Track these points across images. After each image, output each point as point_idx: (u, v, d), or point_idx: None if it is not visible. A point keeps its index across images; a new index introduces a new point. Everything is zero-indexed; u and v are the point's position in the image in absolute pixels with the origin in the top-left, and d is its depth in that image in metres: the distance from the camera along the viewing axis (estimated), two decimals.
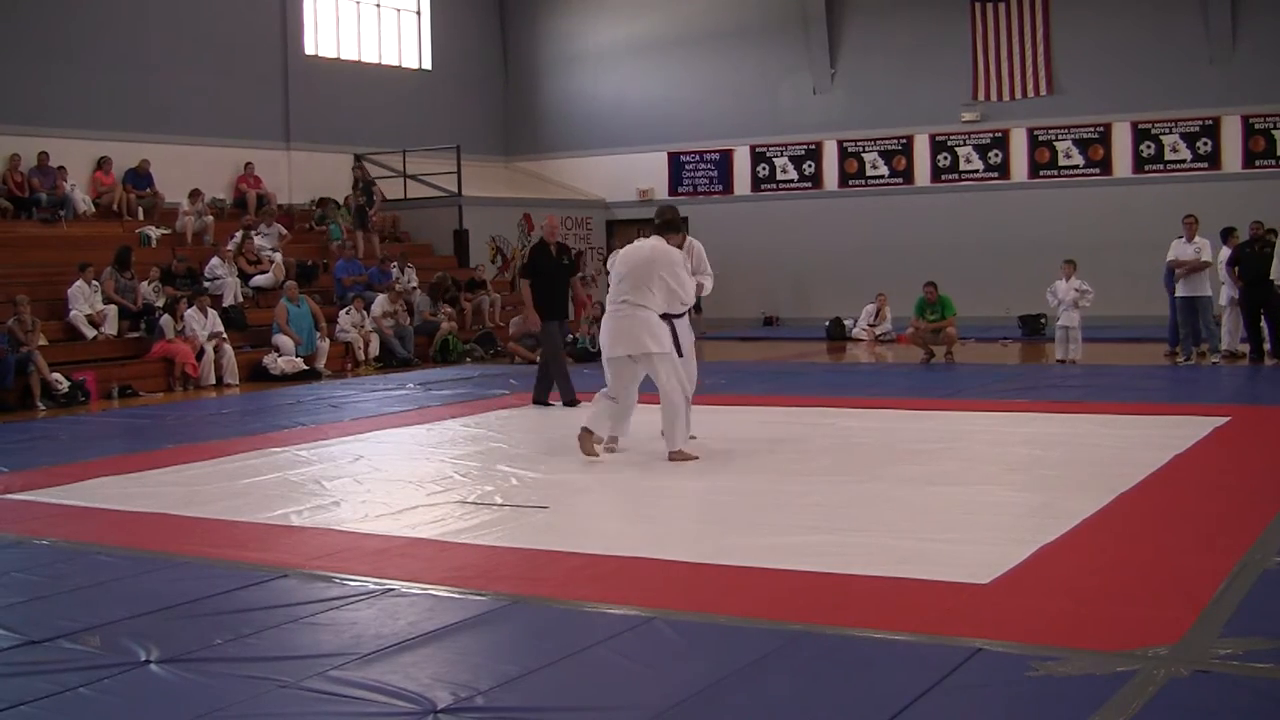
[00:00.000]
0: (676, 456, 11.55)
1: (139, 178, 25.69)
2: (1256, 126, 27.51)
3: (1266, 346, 19.45)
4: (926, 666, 5.57)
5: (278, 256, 24.82)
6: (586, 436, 11.74)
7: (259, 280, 24.15)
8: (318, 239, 27.70)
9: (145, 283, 21.72)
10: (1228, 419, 13.08)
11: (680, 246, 12.23)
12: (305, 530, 9.02)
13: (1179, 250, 19.88)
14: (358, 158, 30.13)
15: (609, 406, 11.82)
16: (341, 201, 28.76)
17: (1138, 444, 11.61)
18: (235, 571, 7.73)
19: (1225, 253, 20.23)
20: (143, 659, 6.02)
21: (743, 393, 16.78)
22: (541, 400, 16.17)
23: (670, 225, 12.22)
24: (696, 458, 11.54)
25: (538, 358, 22.86)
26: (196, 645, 6.21)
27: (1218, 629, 5.99)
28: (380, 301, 23.98)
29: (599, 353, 23.08)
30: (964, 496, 9.41)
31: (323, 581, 7.44)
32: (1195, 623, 6.07)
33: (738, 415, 13.89)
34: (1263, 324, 19.50)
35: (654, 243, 11.89)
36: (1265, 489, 9.35)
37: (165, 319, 20.60)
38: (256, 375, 21.15)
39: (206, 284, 22.73)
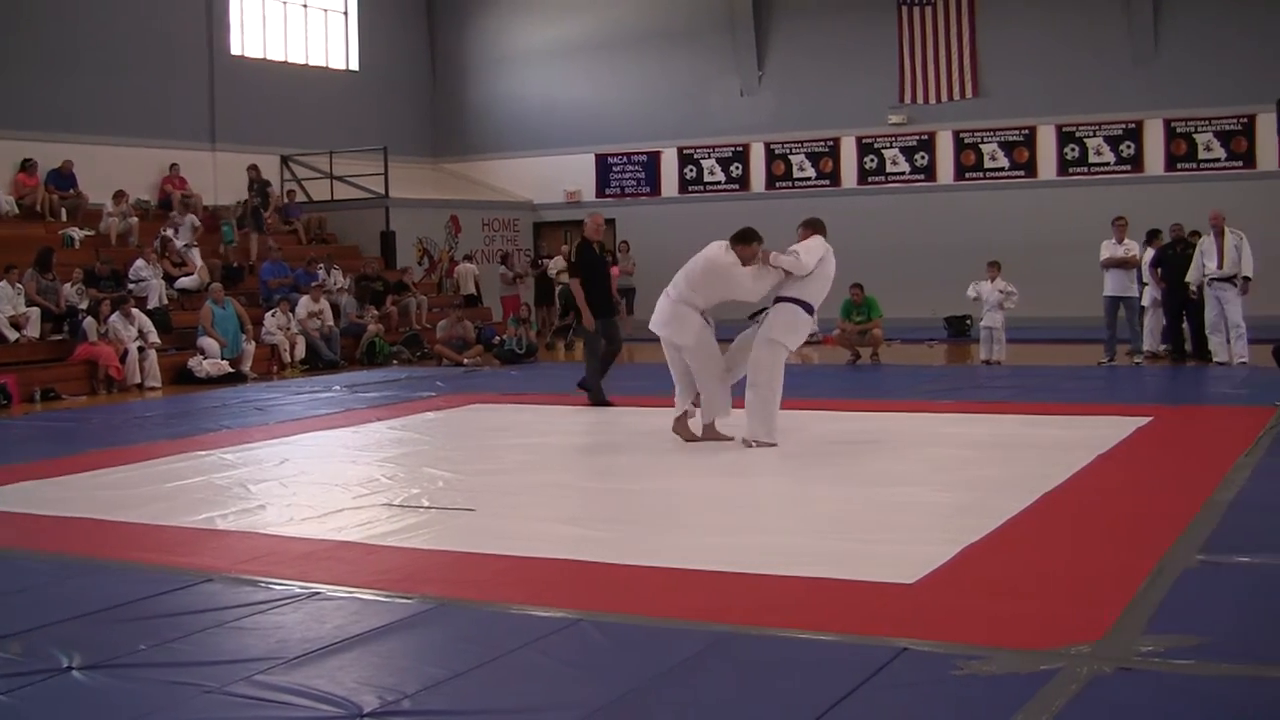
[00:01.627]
0: (708, 433, 12.41)
1: (62, 178, 25.42)
2: (1178, 130, 27.83)
3: (1188, 347, 19.67)
4: (853, 666, 5.59)
5: (195, 254, 24.62)
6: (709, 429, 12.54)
7: (184, 282, 23.98)
8: (244, 240, 27.49)
9: (68, 284, 21.50)
10: (1150, 419, 13.20)
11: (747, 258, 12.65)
12: (231, 534, 8.96)
13: (1110, 251, 20.05)
14: (285, 159, 30.02)
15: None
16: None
17: (1062, 444, 11.71)
18: (160, 576, 7.66)
19: (1149, 254, 20.42)
20: (65, 665, 5.96)
21: (667, 394, 16.77)
22: (601, 401, 16.09)
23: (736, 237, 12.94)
24: (728, 439, 12.26)
25: (465, 360, 22.91)
26: (120, 651, 6.15)
27: (1140, 627, 6.05)
28: (304, 303, 23.82)
29: (525, 354, 23.19)
30: (890, 497, 9.46)
31: (248, 585, 7.39)
32: (1118, 621, 6.13)
33: (663, 417, 13.86)
34: (1184, 325, 19.75)
35: (711, 248, 12.92)
36: (1187, 488, 9.44)
37: (88, 321, 20.41)
38: (181, 378, 20.98)
39: (131, 286, 22.54)
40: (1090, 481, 9.99)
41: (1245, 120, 27.31)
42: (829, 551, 7.74)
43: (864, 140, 30.55)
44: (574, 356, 25.42)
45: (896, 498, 9.42)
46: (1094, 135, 28.54)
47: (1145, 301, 20.54)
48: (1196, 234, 20.20)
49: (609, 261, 16.56)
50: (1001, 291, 20.50)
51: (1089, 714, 5.02)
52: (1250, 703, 5.08)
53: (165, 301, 22.96)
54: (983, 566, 7.37)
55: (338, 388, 19.43)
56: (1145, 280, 20.40)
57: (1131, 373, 18.84)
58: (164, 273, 23.52)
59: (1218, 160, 27.61)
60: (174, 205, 26.38)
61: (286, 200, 29.76)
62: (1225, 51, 26.88)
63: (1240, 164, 27.43)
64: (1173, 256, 19.86)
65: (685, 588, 7.14)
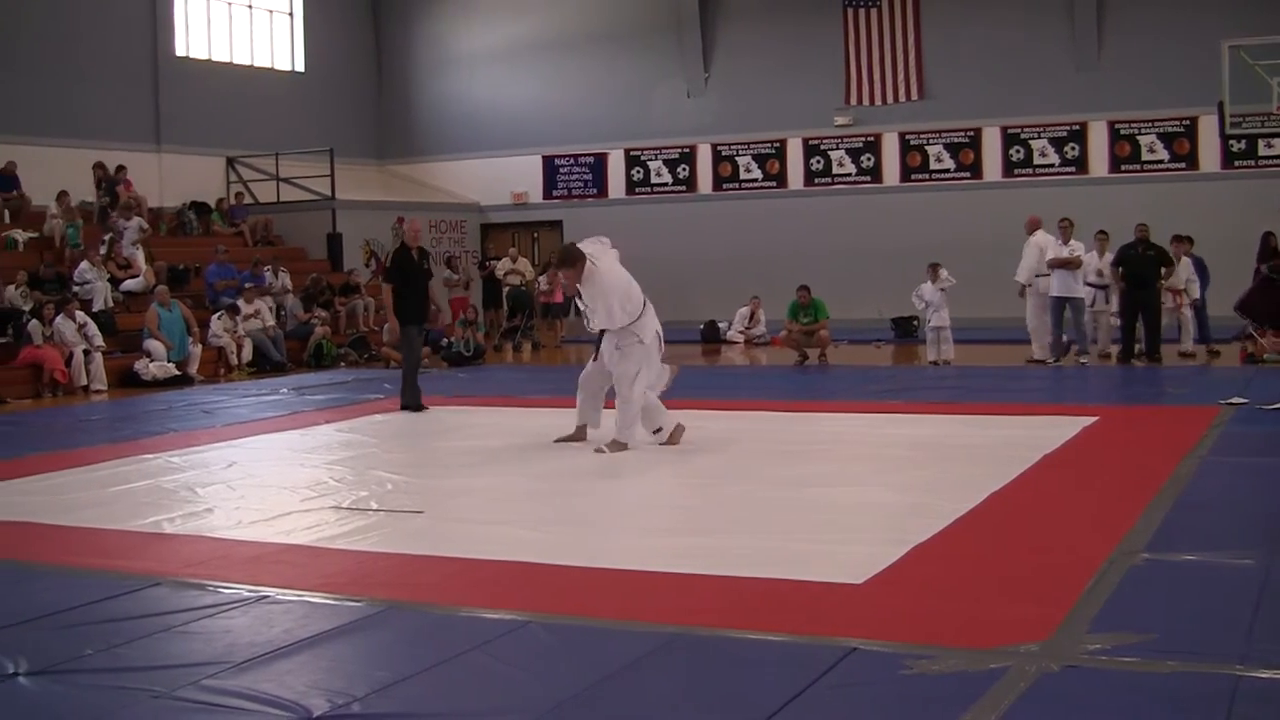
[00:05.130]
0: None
1: (4, 180, 25.18)
2: (1122, 132, 28.02)
3: (1139, 348, 19.83)
4: (802, 666, 5.60)
5: (140, 254, 24.43)
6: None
7: (129, 285, 23.82)
8: (190, 243, 27.36)
9: (11, 287, 21.33)
10: (1096, 419, 13.29)
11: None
12: (177, 538, 8.90)
13: (1055, 251, 20.15)
14: (231, 161, 29.89)
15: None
16: (193, 204, 28.58)
17: (1009, 444, 11.77)
18: (106, 581, 7.60)
19: (1106, 256, 20.54)
20: (11, 672, 5.90)
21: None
22: (414, 406, 16.04)
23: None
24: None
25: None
26: (66, 657, 6.10)
27: (1086, 625, 6.09)
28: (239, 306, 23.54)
29: (472, 355, 23.15)
30: (838, 497, 9.49)
31: (195, 589, 7.34)
32: (1065, 619, 6.17)
33: (610, 418, 13.84)
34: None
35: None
36: (1131, 487, 9.50)
37: (34, 324, 20.24)
38: (127, 381, 20.85)
39: (76, 288, 22.37)
40: (1037, 481, 10.05)
41: (1187, 122, 27.52)
42: (777, 552, 7.75)
43: (810, 142, 30.62)
44: (522, 359, 25.44)
45: (844, 498, 9.45)
46: (1038, 137, 28.71)
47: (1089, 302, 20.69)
48: (1144, 229, 20.37)
49: (428, 269, 16.51)
50: (942, 290, 20.67)
51: (1037, 712, 5.04)
52: (1195, 698, 5.11)
53: (110, 304, 22.82)
54: (931, 566, 7.39)
55: (285, 390, 19.36)
56: (1090, 281, 20.51)
57: (1077, 373, 18.95)
58: (109, 275, 23.37)
59: (1161, 162, 27.82)
60: (117, 208, 26.13)
61: (233, 202, 29.65)
62: (1167, 55, 27.06)
63: (1183, 165, 27.65)
64: (1135, 257, 19.98)
65: (634, 589, 7.14)
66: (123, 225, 25.00)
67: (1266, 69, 20.49)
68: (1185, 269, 20.62)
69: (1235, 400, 14.27)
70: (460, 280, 29.07)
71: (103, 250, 23.77)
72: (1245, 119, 22.17)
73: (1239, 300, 19.86)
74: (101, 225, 25.60)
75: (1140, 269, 19.87)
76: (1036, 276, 20.41)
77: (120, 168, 26.99)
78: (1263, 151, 26.55)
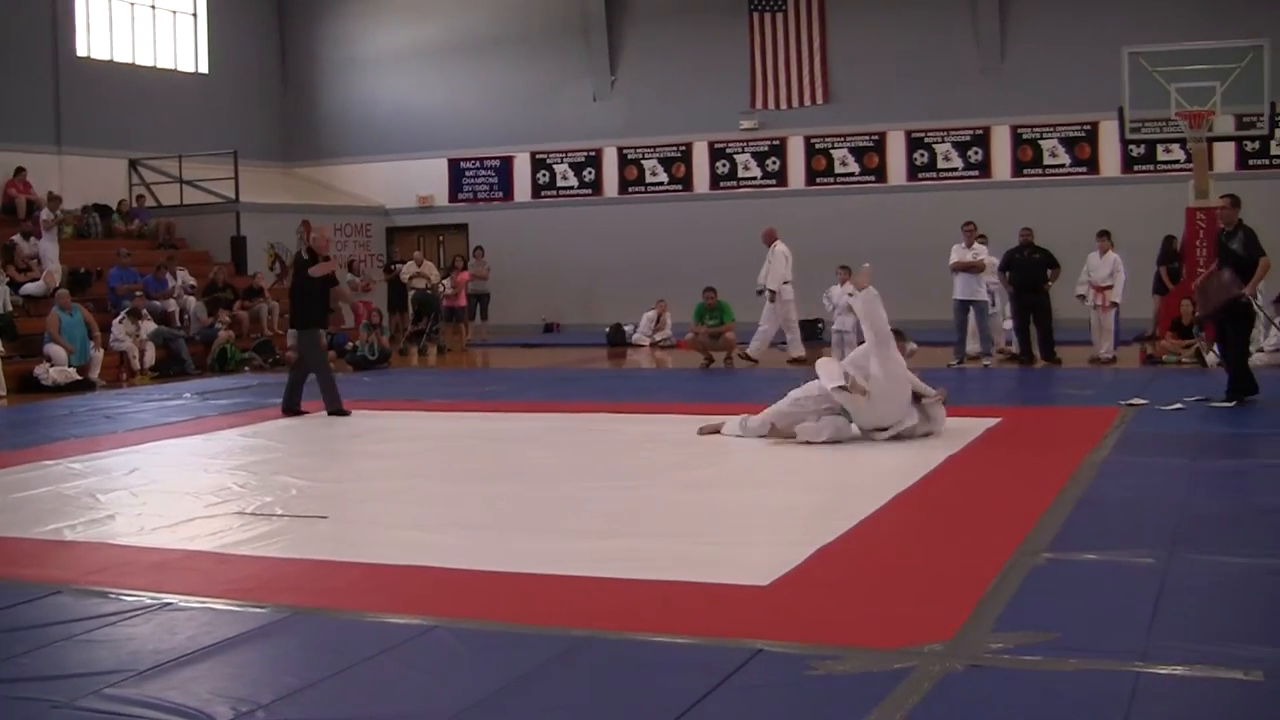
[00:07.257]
0: None
1: None
2: (1024, 136, 28.35)
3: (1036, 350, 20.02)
4: (708, 669, 5.63)
5: (55, 250, 24.09)
6: None
7: (30, 288, 23.50)
8: (92, 246, 27.05)
9: None
10: (999, 420, 13.42)
11: None
12: (79, 545, 8.80)
13: (959, 254, 20.32)
14: (133, 163, 29.58)
15: None
16: (95, 207, 28.19)
17: (913, 445, 11.86)
18: (5, 589, 7.50)
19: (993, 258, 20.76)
20: None
21: (523, 399, 16.79)
22: (294, 409, 15.90)
23: None
24: None
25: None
26: None
27: (990, 624, 6.16)
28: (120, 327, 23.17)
29: (377, 360, 23.02)
30: (743, 500, 9.53)
31: (98, 597, 7.27)
32: (969, 619, 6.23)
33: (518, 422, 13.85)
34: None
35: None
36: (1034, 488, 9.60)
37: None
38: (27, 386, 20.56)
39: None
40: (941, 482, 10.14)
41: (1089, 127, 27.86)
42: (683, 554, 7.78)
43: (716, 145, 30.73)
44: (428, 362, 25.35)
45: (750, 500, 9.50)
46: (943, 141, 28.98)
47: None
48: (1028, 232, 20.55)
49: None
50: (850, 295, 20.77)
51: (941, 711, 5.10)
52: (1099, 696, 5.18)
53: (9, 308, 22.51)
54: (836, 567, 7.44)
55: (188, 395, 19.18)
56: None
57: (981, 375, 19.12)
58: (8, 278, 23.06)
59: (1063, 166, 28.18)
60: (18, 210, 25.81)
61: (135, 205, 29.34)
62: (1069, 60, 27.36)
63: (1084, 170, 28.01)
64: (1020, 260, 20.18)
65: (540, 592, 7.14)
66: (48, 216, 24.66)
67: (1165, 75, 20.75)
68: (1108, 264, 20.48)
69: (1136, 401, 14.46)
70: (361, 283, 28.88)
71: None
72: (1144, 124, 22.46)
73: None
74: None
75: (1026, 272, 20.06)
76: (783, 284, 21.53)
77: (19, 169, 26.66)
78: (1161, 156, 26.93)
